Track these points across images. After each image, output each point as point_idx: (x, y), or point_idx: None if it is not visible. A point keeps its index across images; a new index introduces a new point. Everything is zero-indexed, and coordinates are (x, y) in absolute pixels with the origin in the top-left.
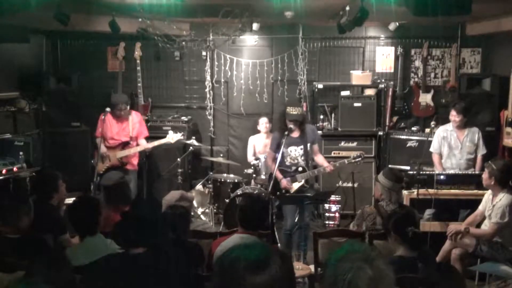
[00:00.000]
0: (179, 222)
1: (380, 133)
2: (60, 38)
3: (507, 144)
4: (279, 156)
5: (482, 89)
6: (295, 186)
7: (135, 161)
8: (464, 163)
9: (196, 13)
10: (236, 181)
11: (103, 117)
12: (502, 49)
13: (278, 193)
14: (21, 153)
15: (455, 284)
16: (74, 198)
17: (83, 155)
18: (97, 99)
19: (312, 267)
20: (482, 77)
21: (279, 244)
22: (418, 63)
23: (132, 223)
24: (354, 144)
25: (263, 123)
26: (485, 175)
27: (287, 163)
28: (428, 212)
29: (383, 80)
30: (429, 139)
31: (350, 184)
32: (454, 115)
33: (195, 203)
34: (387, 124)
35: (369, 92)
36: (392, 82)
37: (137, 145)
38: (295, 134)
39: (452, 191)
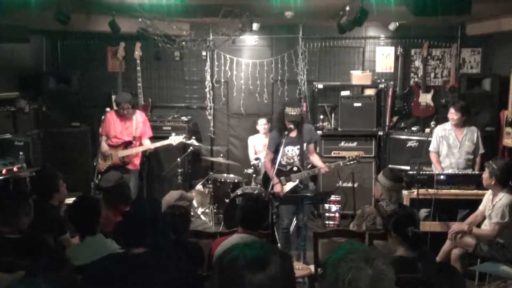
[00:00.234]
0: (179, 222)
1: (380, 133)
2: (60, 38)
3: (507, 144)
4: (279, 157)
5: (482, 89)
6: (289, 185)
7: (137, 161)
8: (463, 162)
9: (196, 13)
10: (236, 181)
11: (103, 117)
12: (502, 49)
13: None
14: (21, 153)
15: (455, 284)
16: (74, 198)
17: (83, 155)
18: (97, 99)
19: (312, 267)
20: (482, 77)
21: (279, 245)
22: (418, 63)
23: (132, 223)
24: (354, 144)
25: (262, 124)
26: (485, 175)
27: (283, 163)
28: (425, 210)
29: (383, 80)
30: (429, 139)
31: (350, 184)
32: (452, 113)
33: (195, 203)
34: (387, 124)
35: (369, 92)
36: (392, 82)
37: (140, 145)
38: (293, 134)
39: (452, 191)
